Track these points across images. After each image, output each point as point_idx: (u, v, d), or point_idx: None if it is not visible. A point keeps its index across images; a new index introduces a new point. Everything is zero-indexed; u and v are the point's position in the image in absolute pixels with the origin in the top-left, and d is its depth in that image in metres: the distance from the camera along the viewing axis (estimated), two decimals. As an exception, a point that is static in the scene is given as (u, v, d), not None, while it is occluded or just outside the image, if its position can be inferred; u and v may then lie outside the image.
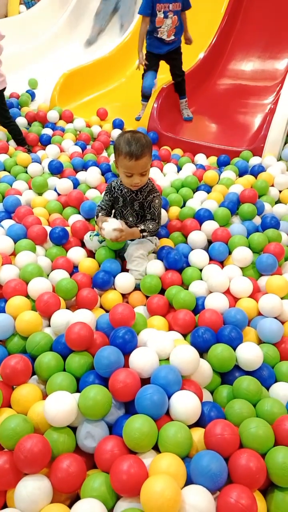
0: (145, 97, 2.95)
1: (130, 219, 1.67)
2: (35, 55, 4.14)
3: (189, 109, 3.02)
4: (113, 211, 1.73)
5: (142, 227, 1.61)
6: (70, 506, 0.88)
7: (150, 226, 1.61)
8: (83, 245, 1.76)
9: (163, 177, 2.29)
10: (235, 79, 3.54)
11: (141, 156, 1.46)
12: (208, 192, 2.11)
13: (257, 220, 1.91)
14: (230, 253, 1.70)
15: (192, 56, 3.39)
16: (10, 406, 1.09)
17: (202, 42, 3.50)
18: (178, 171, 2.42)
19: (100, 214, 1.68)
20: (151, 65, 2.83)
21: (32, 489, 0.88)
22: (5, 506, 0.93)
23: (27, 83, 3.50)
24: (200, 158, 2.61)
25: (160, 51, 2.79)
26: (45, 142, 2.64)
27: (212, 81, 3.52)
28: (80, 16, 4.43)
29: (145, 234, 1.61)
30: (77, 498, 0.96)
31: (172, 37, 2.74)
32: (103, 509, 0.85)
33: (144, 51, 2.81)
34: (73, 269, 1.64)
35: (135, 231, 1.59)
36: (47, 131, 2.75)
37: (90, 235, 1.70)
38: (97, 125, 2.94)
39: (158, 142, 2.80)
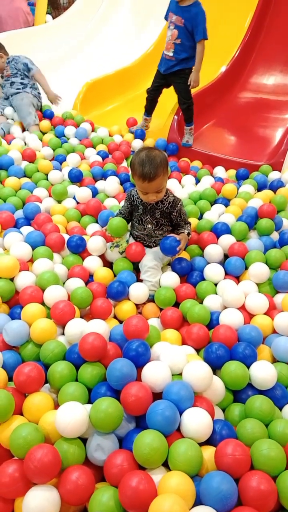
0: (147, 110, 2.95)
1: (149, 226, 1.68)
2: (58, 64, 4.20)
3: (192, 136, 2.86)
4: (132, 218, 1.75)
5: (186, 231, 1.67)
6: (77, 519, 0.88)
7: (189, 229, 1.70)
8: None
9: (181, 188, 2.29)
10: (256, 93, 3.54)
11: (154, 178, 1.47)
12: (226, 205, 2.11)
13: (275, 235, 1.89)
14: (246, 268, 1.68)
15: (214, 69, 3.41)
16: (21, 414, 1.10)
17: (225, 55, 3.53)
18: (196, 183, 2.42)
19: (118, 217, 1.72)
20: (154, 82, 2.81)
21: (41, 499, 0.88)
22: (13, 515, 0.94)
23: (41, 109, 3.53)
24: (219, 171, 2.61)
25: (161, 68, 2.70)
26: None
27: (233, 94, 3.53)
28: (103, 26, 4.50)
29: (190, 236, 1.70)
30: (84, 510, 0.95)
31: (171, 54, 2.58)
32: (111, 525, 0.85)
33: None
34: (88, 278, 1.65)
35: (186, 237, 1.66)
36: (73, 140, 2.78)
37: (111, 246, 1.71)
38: (118, 134, 2.96)
39: (177, 154, 2.81)
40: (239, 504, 0.89)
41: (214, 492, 0.87)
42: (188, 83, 2.62)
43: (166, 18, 2.64)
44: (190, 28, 2.48)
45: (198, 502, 0.89)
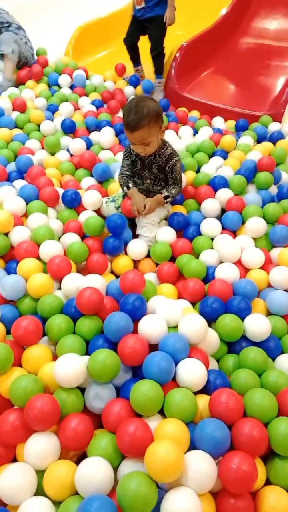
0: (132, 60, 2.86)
1: (148, 181, 1.64)
2: (47, 6, 3.95)
3: (163, 92, 2.76)
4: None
5: (166, 193, 1.60)
6: (77, 463, 0.92)
7: (173, 192, 1.61)
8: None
9: (179, 140, 2.23)
10: (258, 38, 3.38)
11: (136, 128, 1.42)
12: (225, 158, 2.06)
13: (273, 189, 1.87)
14: (243, 222, 1.67)
15: (213, 13, 3.23)
16: (21, 366, 1.12)
17: (226, -4, 3.33)
18: (194, 134, 2.35)
19: (130, 185, 1.65)
20: (129, 29, 2.73)
21: (41, 445, 0.92)
22: (14, 460, 0.98)
23: (35, 53, 3.34)
24: (218, 122, 2.53)
25: (134, 13, 2.66)
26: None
27: (234, 40, 3.36)
28: None
29: (168, 199, 1.61)
30: (83, 456, 1.00)
31: (143, 5, 2.56)
32: (109, 467, 0.89)
33: None
34: (84, 233, 1.63)
35: (159, 199, 1.58)
36: (66, 89, 2.65)
37: (106, 202, 1.68)
38: (111, 81, 2.83)
39: (175, 103, 2.70)
40: (232, 449, 0.93)
41: (208, 438, 0.91)
42: (164, 21, 2.58)
43: None
44: None
45: (192, 447, 0.93)
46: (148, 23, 2.63)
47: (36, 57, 2.88)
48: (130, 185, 1.65)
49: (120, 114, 2.52)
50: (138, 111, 1.41)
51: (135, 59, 2.88)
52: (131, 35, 2.75)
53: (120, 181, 1.67)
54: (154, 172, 1.61)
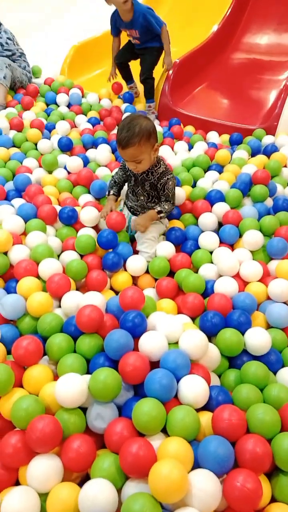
0: (124, 78, 2.93)
1: (142, 198, 1.66)
2: (42, 24, 4.02)
3: (154, 115, 2.80)
4: (127, 189, 1.73)
5: (159, 208, 1.62)
6: (80, 484, 0.91)
7: (166, 207, 1.63)
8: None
9: (174, 155, 2.25)
10: (249, 53, 3.43)
11: (127, 145, 1.44)
12: (220, 172, 2.08)
13: (269, 202, 1.88)
14: (240, 235, 1.68)
15: (205, 29, 3.29)
16: (22, 386, 1.12)
17: (216, 14, 3.38)
18: (189, 149, 2.37)
19: (112, 191, 1.73)
20: (123, 48, 2.80)
21: (44, 467, 0.91)
22: (17, 483, 0.97)
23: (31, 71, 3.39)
24: (213, 136, 2.56)
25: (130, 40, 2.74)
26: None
27: (226, 55, 3.41)
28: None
29: (162, 215, 1.62)
30: (87, 477, 0.99)
31: (138, 42, 2.67)
32: (112, 489, 0.88)
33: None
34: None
35: (152, 215, 1.60)
36: (63, 108, 2.69)
37: (103, 216, 1.69)
38: (107, 98, 2.87)
39: (169, 118, 2.73)
40: (236, 467, 0.93)
41: (212, 456, 0.90)
42: (162, 66, 2.73)
43: (115, 34, 2.75)
44: (146, 30, 2.56)
45: (196, 465, 0.93)
46: (141, 51, 2.71)
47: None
48: (112, 191, 1.73)
49: (116, 131, 2.55)
50: (130, 128, 1.44)
51: (127, 77, 2.93)
52: (122, 55, 2.81)
53: (108, 184, 1.75)
54: (147, 189, 1.63)
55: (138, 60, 2.78)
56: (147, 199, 1.66)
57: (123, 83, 3.00)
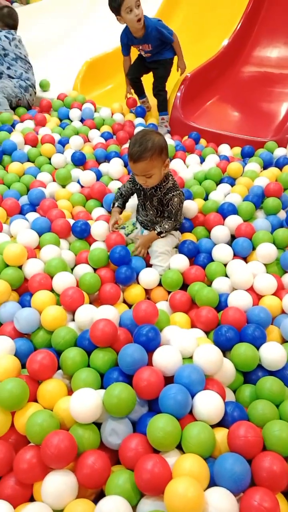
0: (136, 94, 2.94)
1: (151, 212, 1.67)
2: (54, 42, 4.10)
3: (166, 128, 2.79)
4: (137, 203, 1.73)
5: (159, 229, 1.63)
6: (94, 501, 0.90)
7: (166, 226, 1.63)
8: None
9: (186, 168, 2.27)
10: (260, 67, 3.45)
11: (139, 159, 1.46)
12: (232, 184, 2.09)
13: (282, 214, 1.88)
14: (254, 248, 1.68)
15: (215, 43, 3.32)
16: (36, 400, 1.12)
17: (227, 28, 3.42)
18: (201, 162, 2.39)
19: (116, 203, 1.74)
20: (134, 64, 2.80)
21: (59, 484, 0.91)
22: (32, 499, 0.96)
23: (39, 84, 3.43)
24: (224, 149, 2.57)
25: (140, 54, 2.75)
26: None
27: (236, 69, 3.44)
28: (102, 2, 4.37)
29: (162, 235, 1.63)
30: (101, 493, 0.98)
31: (149, 55, 2.68)
32: (127, 506, 0.87)
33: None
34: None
35: (152, 237, 1.61)
36: (76, 123, 2.72)
37: (116, 229, 1.70)
38: (119, 113, 2.90)
39: (181, 131, 2.75)
40: (253, 485, 0.91)
41: (228, 474, 0.89)
42: (177, 70, 2.75)
43: (126, 54, 2.75)
44: (160, 42, 2.58)
45: (212, 483, 0.91)
46: (154, 65, 2.71)
47: (32, 90, 2.97)
48: (116, 203, 1.75)
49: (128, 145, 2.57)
50: (142, 143, 1.46)
51: (139, 92, 2.95)
52: (135, 71, 2.82)
53: (114, 196, 1.76)
54: (155, 205, 1.64)
55: (150, 73, 2.80)
56: (156, 214, 1.67)
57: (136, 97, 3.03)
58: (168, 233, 1.65)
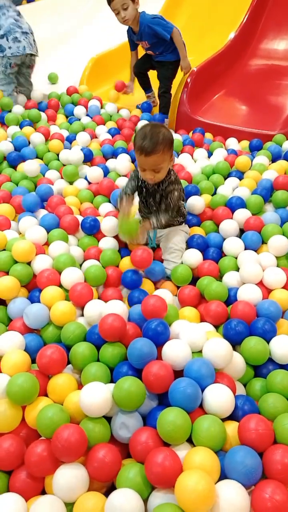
0: (142, 87, 2.92)
1: (154, 208, 1.66)
2: (60, 39, 4.09)
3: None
4: (138, 200, 1.72)
5: (155, 223, 1.57)
6: (105, 494, 0.91)
7: (163, 220, 1.58)
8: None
9: (194, 163, 2.25)
10: (267, 59, 3.42)
11: (151, 153, 1.43)
12: (240, 178, 2.07)
13: (291, 207, 1.86)
14: (263, 242, 1.66)
15: (222, 37, 3.30)
16: (46, 395, 1.12)
17: (233, 21, 3.40)
18: (209, 157, 2.37)
19: (124, 197, 1.64)
20: (142, 58, 2.80)
21: (70, 477, 0.91)
22: (43, 492, 0.97)
23: (47, 77, 3.42)
24: (232, 143, 2.55)
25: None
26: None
27: (243, 62, 3.41)
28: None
29: (154, 226, 1.57)
30: (112, 486, 0.98)
31: (153, 53, 2.67)
32: (139, 499, 0.87)
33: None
34: (105, 259, 1.65)
35: (146, 226, 1.57)
36: (84, 119, 2.71)
37: (122, 226, 1.70)
38: (125, 108, 2.89)
39: (188, 126, 2.74)
40: (264, 478, 0.91)
41: (239, 467, 0.88)
42: (181, 70, 2.72)
43: (132, 49, 2.80)
44: (156, 39, 2.56)
45: (223, 476, 0.91)
46: (158, 65, 2.72)
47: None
48: (124, 197, 1.63)
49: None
50: (154, 136, 1.44)
51: (146, 86, 2.94)
52: (141, 65, 2.82)
53: (118, 195, 1.68)
54: (157, 201, 1.62)
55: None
56: (159, 209, 1.65)
57: (139, 91, 3.01)
58: (161, 227, 1.60)
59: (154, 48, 2.63)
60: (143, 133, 1.46)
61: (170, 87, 2.74)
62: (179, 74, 2.79)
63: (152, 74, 2.87)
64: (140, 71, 2.86)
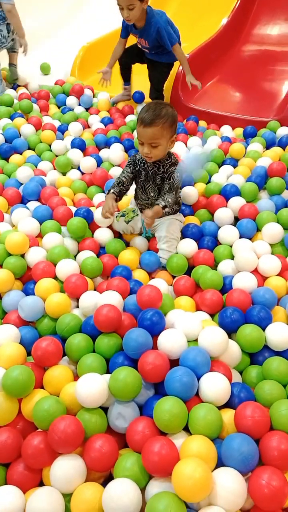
0: (123, 77, 2.76)
1: (152, 194, 1.64)
2: (50, 28, 4.03)
3: None
4: (135, 187, 1.70)
5: (163, 203, 1.53)
6: (103, 484, 0.91)
7: (169, 200, 1.54)
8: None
9: (188, 151, 2.23)
10: (260, 45, 3.39)
11: (150, 124, 1.42)
12: (234, 166, 2.06)
13: (286, 194, 1.85)
14: (258, 230, 1.66)
15: (214, 22, 3.26)
16: (42, 387, 1.12)
17: (225, 6, 3.36)
18: (203, 145, 2.35)
19: (112, 190, 1.61)
20: (130, 49, 2.59)
21: (67, 468, 0.91)
22: (41, 484, 0.97)
23: (39, 68, 3.38)
24: (226, 130, 2.53)
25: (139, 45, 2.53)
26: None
27: (236, 48, 3.38)
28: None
29: (166, 209, 1.55)
30: (110, 476, 0.99)
31: (146, 46, 2.47)
32: (136, 489, 0.87)
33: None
34: (99, 250, 1.64)
35: (157, 210, 1.52)
36: (78, 109, 2.69)
37: (117, 216, 1.68)
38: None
39: (182, 114, 2.70)
40: (261, 464, 0.91)
41: (236, 454, 0.89)
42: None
43: (123, 36, 2.52)
44: (157, 43, 2.40)
45: (220, 464, 0.91)
46: (150, 64, 2.57)
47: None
48: (112, 190, 1.61)
49: (127, 129, 2.53)
50: (156, 109, 1.44)
51: (126, 77, 2.78)
52: (129, 56, 2.63)
53: (113, 183, 1.65)
54: (157, 184, 1.60)
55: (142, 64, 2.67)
56: (157, 194, 1.63)
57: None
58: (170, 207, 1.58)
59: (151, 48, 2.47)
60: (148, 106, 1.46)
61: (162, 90, 2.64)
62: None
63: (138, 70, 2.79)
64: (127, 62, 2.68)
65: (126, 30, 2.50)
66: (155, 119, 1.42)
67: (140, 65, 2.70)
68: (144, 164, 1.59)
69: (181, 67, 2.73)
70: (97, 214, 1.68)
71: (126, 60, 2.68)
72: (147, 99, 2.78)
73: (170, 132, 1.48)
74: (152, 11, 2.32)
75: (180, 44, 2.43)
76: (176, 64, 2.66)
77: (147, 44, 2.44)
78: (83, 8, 4.25)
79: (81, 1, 4.29)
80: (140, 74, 2.74)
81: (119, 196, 1.63)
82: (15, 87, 2.98)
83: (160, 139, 1.46)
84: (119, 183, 1.63)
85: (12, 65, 3.02)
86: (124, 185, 1.63)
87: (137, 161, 1.62)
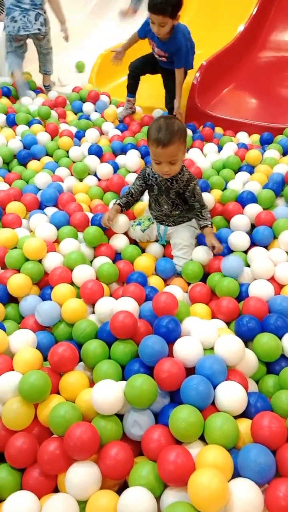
0: (129, 89, 2.68)
1: (165, 207, 1.64)
2: (71, 36, 4.07)
3: None
4: (148, 198, 1.71)
5: (208, 222, 1.58)
6: (118, 492, 0.91)
7: (208, 215, 1.60)
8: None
9: (204, 158, 2.23)
10: (277, 51, 3.38)
11: (168, 144, 1.41)
12: (251, 172, 2.05)
13: (303, 202, 1.83)
14: (274, 237, 1.64)
15: (231, 29, 3.26)
16: (58, 393, 1.13)
17: (242, 13, 3.36)
18: (219, 151, 2.35)
19: (119, 201, 1.66)
20: (143, 58, 2.55)
21: (82, 475, 0.91)
22: (56, 490, 0.97)
23: (75, 66, 3.48)
24: (242, 137, 2.53)
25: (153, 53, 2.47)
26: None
27: (253, 54, 3.37)
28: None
29: (209, 223, 1.59)
30: (125, 484, 0.98)
31: (163, 57, 2.42)
32: (151, 497, 0.87)
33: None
34: (115, 256, 1.65)
35: (211, 231, 1.57)
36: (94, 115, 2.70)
37: (132, 225, 1.69)
38: (138, 106, 2.86)
39: (198, 120, 2.71)
40: (278, 476, 0.90)
41: (252, 465, 0.88)
42: (174, 114, 2.43)
43: (141, 36, 2.46)
44: (171, 59, 2.38)
45: (236, 475, 0.90)
46: (165, 72, 2.52)
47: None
48: (119, 201, 1.67)
49: (143, 136, 2.53)
50: (169, 127, 1.43)
51: (132, 89, 2.68)
52: (140, 67, 2.57)
53: (122, 193, 1.68)
54: (172, 198, 1.61)
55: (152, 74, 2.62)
56: (171, 208, 1.63)
57: (147, 88, 2.94)
58: (186, 216, 1.62)
59: (168, 57, 2.41)
60: (158, 126, 1.44)
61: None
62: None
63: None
64: (138, 73, 2.61)
65: (145, 32, 2.43)
66: (172, 138, 1.41)
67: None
68: (156, 178, 1.60)
69: (197, 74, 2.74)
70: (115, 220, 1.68)
71: (136, 68, 2.60)
72: (155, 107, 2.79)
73: (184, 145, 1.48)
74: (178, 26, 2.27)
75: (186, 73, 2.44)
76: (191, 72, 2.66)
77: (163, 53, 2.40)
78: (102, 17, 4.29)
79: (101, 8, 4.33)
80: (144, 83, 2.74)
81: (125, 206, 1.69)
82: (37, 92, 3.02)
83: (178, 155, 1.47)
84: (128, 194, 1.67)
85: (46, 86, 3.08)
86: (133, 196, 1.68)
87: (147, 175, 1.63)
